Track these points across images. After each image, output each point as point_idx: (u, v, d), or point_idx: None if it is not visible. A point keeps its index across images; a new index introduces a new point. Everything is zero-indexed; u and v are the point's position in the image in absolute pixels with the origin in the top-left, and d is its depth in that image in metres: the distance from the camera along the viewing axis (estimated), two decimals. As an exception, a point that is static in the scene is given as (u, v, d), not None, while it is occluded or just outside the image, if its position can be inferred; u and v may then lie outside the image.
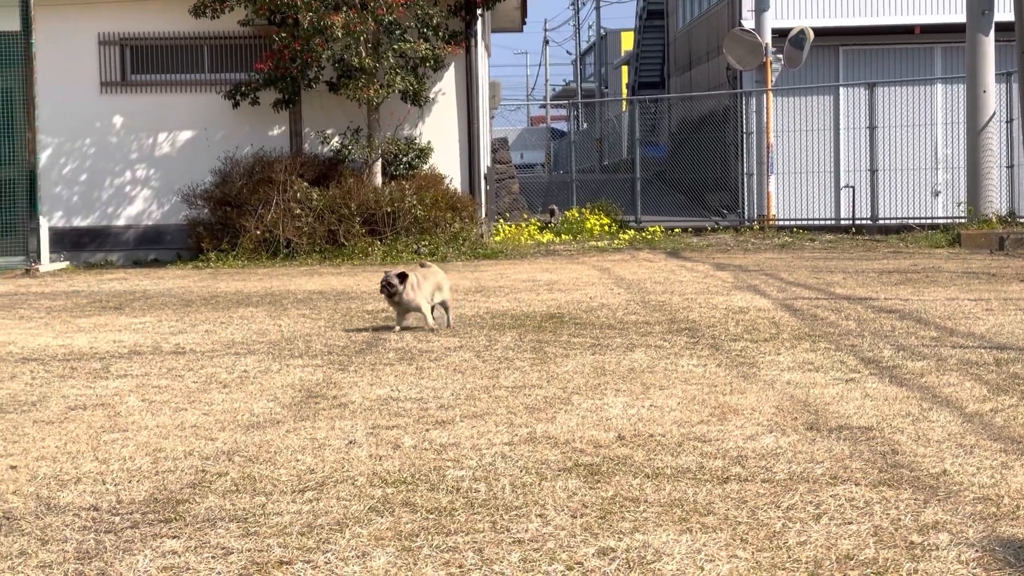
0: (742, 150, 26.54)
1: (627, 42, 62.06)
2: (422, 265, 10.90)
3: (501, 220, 26.32)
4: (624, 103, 42.68)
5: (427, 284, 10.42)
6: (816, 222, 25.43)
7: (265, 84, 21.02)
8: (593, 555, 4.16)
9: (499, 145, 31.09)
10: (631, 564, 4.06)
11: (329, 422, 6.61)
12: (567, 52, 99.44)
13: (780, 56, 25.40)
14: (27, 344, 10.23)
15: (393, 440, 6.10)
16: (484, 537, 4.40)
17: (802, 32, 24.97)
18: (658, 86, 45.65)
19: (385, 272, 10.41)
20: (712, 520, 4.55)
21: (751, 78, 26.87)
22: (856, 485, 5.02)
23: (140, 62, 22.34)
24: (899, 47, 28.69)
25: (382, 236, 20.70)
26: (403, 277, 10.25)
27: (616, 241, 23.56)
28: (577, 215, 26.03)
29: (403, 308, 10.42)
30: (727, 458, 5.54)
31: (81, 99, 22.05)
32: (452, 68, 22.21)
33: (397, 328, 10.48)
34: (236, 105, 21.31)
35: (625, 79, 58.43)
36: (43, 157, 21.68)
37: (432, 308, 10.56)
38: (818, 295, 12.94)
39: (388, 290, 10.23)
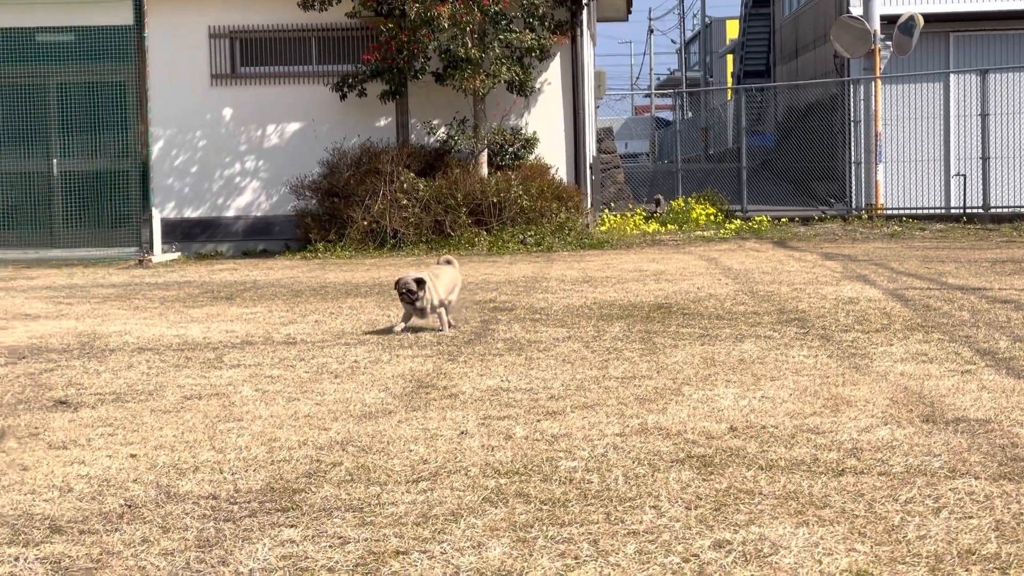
0: (850, 138, 26.24)
1: (732, 30, 61.62)
2: (439, 263, 10.62)
3: (606, 210, 26.27)
4: (729, 92, 42.39)
5: (441, 284, 10.05)
6: (925, 211, 25.08)
7: (372, 75, 21.14)
8: (709, 547, 4.15)
9: (604, 135, 31.01)
10: (748, 557, 4.04)
11: (440, 412, 6.64)
12: (672, 41, 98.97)
13: (889, 43, 25.06)
14: (142, 334, 10.38)
15: (504, 431, 6.11)
16: (598, 528, 4.40)
17: (911, 18, 24.63)
18: (763, 75, 45.27)
19: (401, 277, 9.94)
20: (829, 513, 4.51)
21: (859, 66, 26.56)
22: (975, 479, 4.95)
23: (249, 54, 22.57)
24: (1012, 32, 28.20)
25: (488, 227, 20.74)
26: (420, 283, 9.83)
27: (722, 231, 23.42)
28: (683, 204, 25.91)
29: (422, 312, 10.01)
30: (842, 450, 5.48)
31: (192, 92, 22.33)
32: (558, 58, 22.19)
33: (399, 328, 10.04)
34: (343, 97, 21.46)
35: (730, 68, 58.02)
36: (155, 149, 21.98)
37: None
38: (930, 285, 12.77)
39: (409, 297, 9.83)
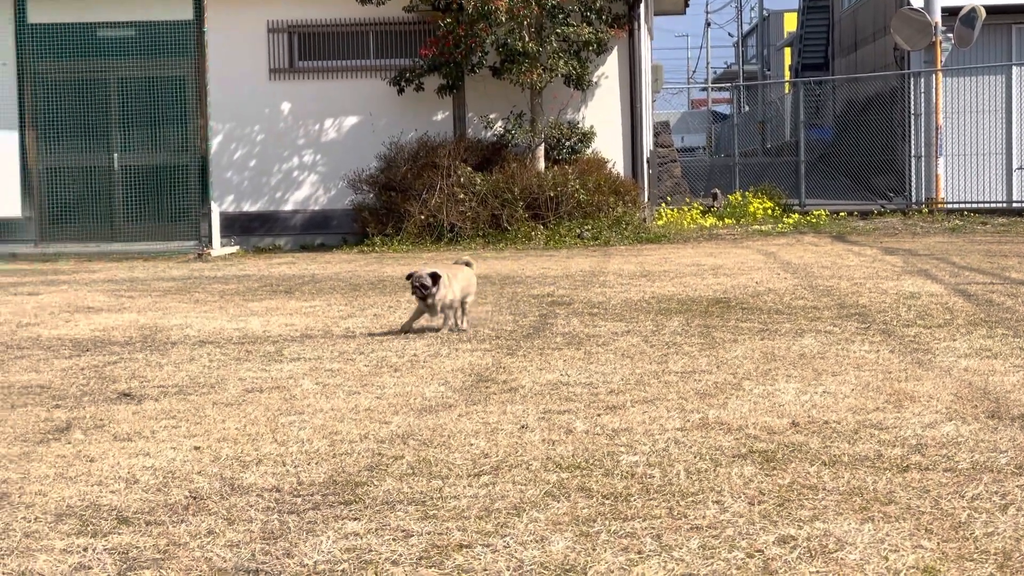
0: (910, 132, 26.03)
1: (790, 23, 61.28)
2: (457, 263, 10.31)
3: (663, 204, 26.20)
4: (787, 85, 42.16)
5: (457, 284, 9.77)
6: (987, 205, 24.85)
7: (429, 70, 21.18)
8: (773, 543, 4.13)
9: (661, 129, 30.93)
10: (813, 553, 4.02)
11: (500, 406, 6.65)
12: (729, 34, 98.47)
13: (950, 35, 24.85)
14: (203, 327, 10.45)
15: (565, 425, 6.11)
16: (661, 523, 4.39)
17: (973, 10, 24.41)
18: (822, 68, 45.00)
19: (416, 272, 9.64)
20: (894, 509, 4.48)
21: (919, 58, 26.35)
22: (1042, 475, 4.91)
23: (307, 49, 22.66)
24: (1075, 25, 27.88)
25: (545, 221, 20.73)
26: (435, 277, 9.55)
27: (780, 225, 23.31)
28: (740, 199, 25.80)
29: (432, 309, 9.68)
30: (906, 446, 5.45)
31: (250, 86, 22.44)
32: (615, 52, 22.14)
33: (406, 328, 9.84)
34: (401, 91, 21.51)
35: (788, 61, 57.71)
36: (214, 143, 22.12)
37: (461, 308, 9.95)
38: (992, 280, 12.67)
39: (421, 292, 9.52)
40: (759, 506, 4.56)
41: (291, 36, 22.58)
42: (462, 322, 9.87)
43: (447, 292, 9.62)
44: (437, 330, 9.78)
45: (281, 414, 6.56)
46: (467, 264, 10.19)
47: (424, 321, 9.93)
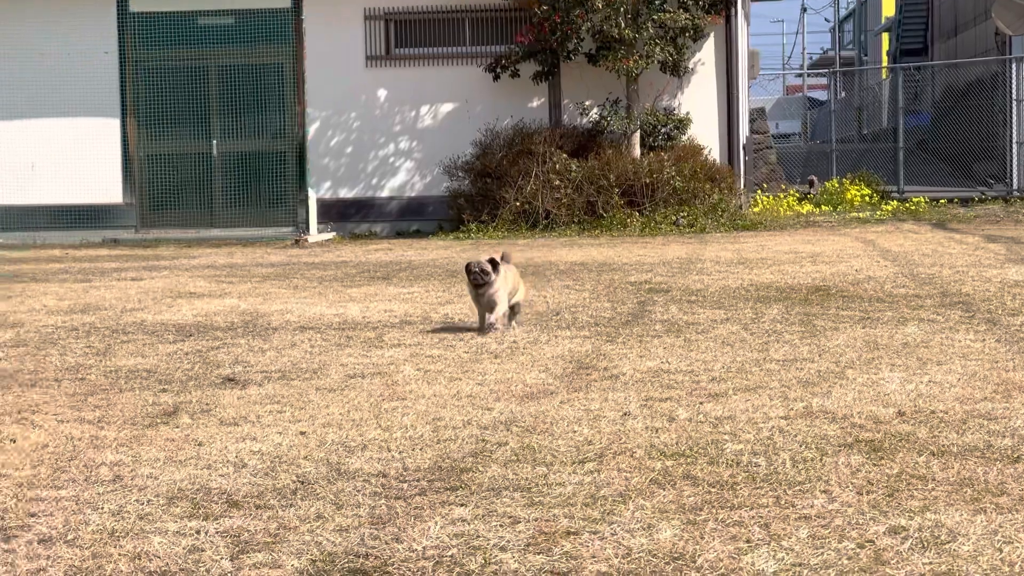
0: (1011, 118, 25.65)
1: (888, 8, 60.55)
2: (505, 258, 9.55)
3: (759, 191, 26.03)
4: (885, 71, 41.70)
5: (507, 283, 9.23)
6: (1090, 192, 24.44)
7: (525, 56, 21.19)
8: (884, 533, 4.10)
9: (756, 115, 30.72)
10: (925, 544, 3.98)
11: (602, 393, 6.65)
12: (825, 19, 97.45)
13: (1053, 20, 24.45)
14: (303, 313, 10.54)
15: (667, 412, 6.10)
16: (769, 512, 4.37)
17: (1077, -6, 24.00)
18: (920, 53, 44.45)
19: (474, 261, 9.11)
20: (1006, 501, 4.43)
21: (1021, 43, 25.96)
22: None
23: (404, 36, 22.75)
24: None
25: (640, 207, 20.69)
26: (495, 264, 9.04)
27: (878, 212, 23.07)
28: (837, 185, 25.57)
29: (484, 301, 9.10)
30: (1016, 437, 5.38)
31: (347, 73, 22.57)
32: (711, 38, 22.03)
33: (491, 328, 9.12)
34: (497, 78, 21.54)
35: (886, 46, 57.04)
36: (311, 130, 22.28)
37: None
38: (1098, 268, 12.46)
39: (481, 278, 8.96)
40: (868, 496, 4.53)
41: (388, 23, 22.69)
42: (505, 320, 9.30)
43: (500, 289, 9.09)
44: (512, 329, 9.21)
45: (384, 400, 6.60)
46: (503, 258, 9.33)
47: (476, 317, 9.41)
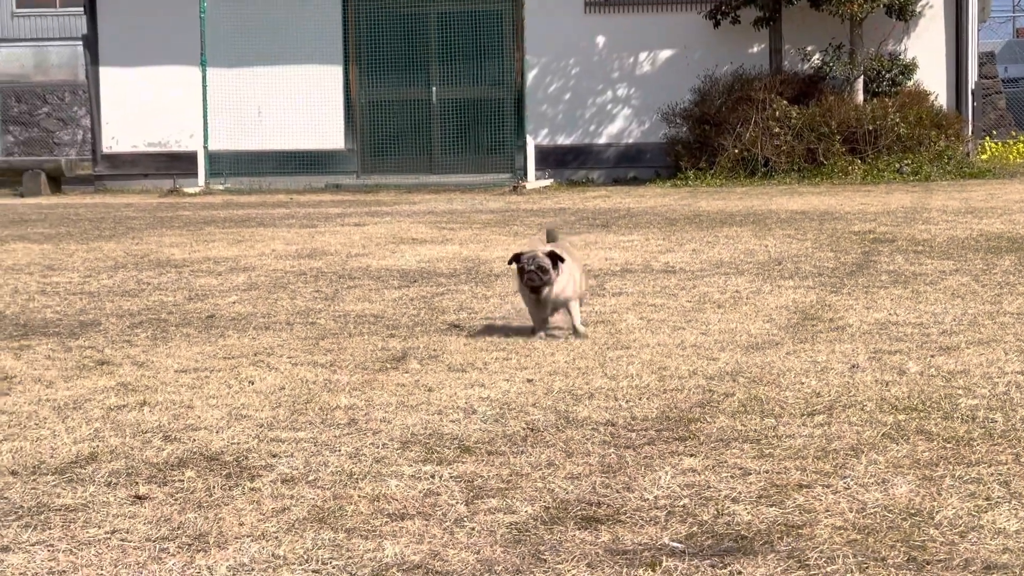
0: None
1: (1125, -54, 58.02)
2: (552, 236, 7.58)
3: (987, 138, 25.30)
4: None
5: (575, 280, 7.00)
6: None
7: (746, 2, 20.92)
8: None
9: (985, 59, 29.84)
10: None
11: (828, 345, 6.57)
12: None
13: None
14: (524, 260, 10.61)
15: (897, 365, 6.00)
16: (1008, 469, 4.27)
17: None
18: None
19: (528, 252, 6.89)
20: None
21: None
22: None
23: (623, -18, 22.64)
24: None
25: (862, 155, 20.32)
26: (556, 259, 6.81)
27: (1113, 160, 22.26)
28: (1070, 132, 24.72)
29: (543, 306, 6.94)
30: None
31: (566, 20, 22.56)
32: (940, -21, 21.46)
33: (541, 334, 6.98)
34: (717, 24, 21.32)
35: (1122, -14, 54.69)
36: (530, 77, 22.37)
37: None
38: None
39: (539, 278, 6.75)
40: (1111, 456, 4.40)
41: (607, -31, 22.60)
42: (579, 323, 7.05)
43: (567, 284, 6.90)
44: (553, 335, 7.05)
45: (608, 348, 6.62)
46: (548, 237, 7.55)
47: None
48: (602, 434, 4.87)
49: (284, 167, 22.66)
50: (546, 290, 6.81)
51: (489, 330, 7.25)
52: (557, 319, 7.13)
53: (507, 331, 7.17)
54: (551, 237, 7.44)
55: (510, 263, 7.01)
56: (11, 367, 6.37)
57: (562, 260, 6.83)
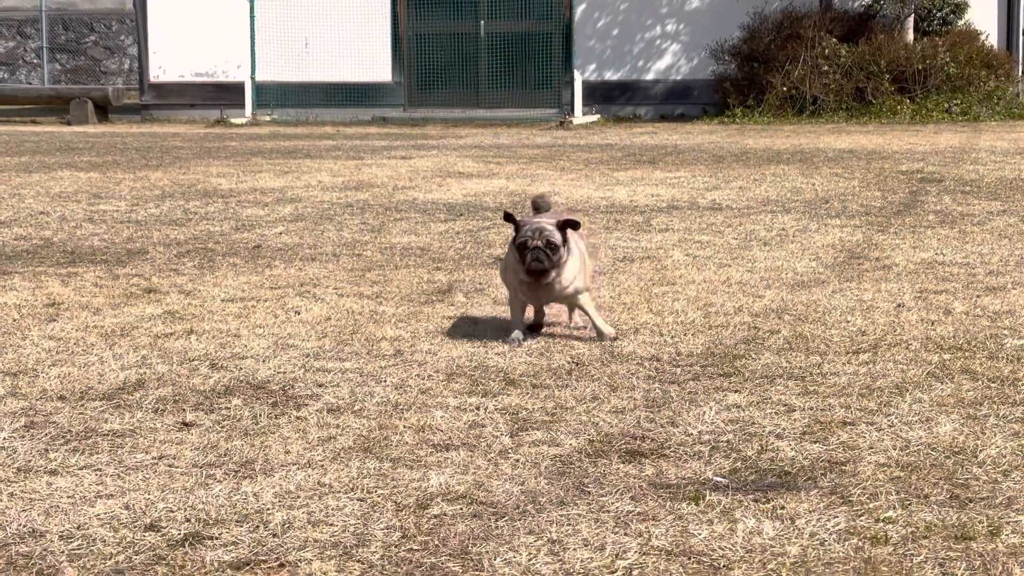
0: None
1: None
2: (537, 207, 5.92)
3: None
4: None
5: (585, 262, 5.47)
6: None
7: (797, -63, 20.71)
8: None
9: (1038, -2, 29.45)
10: None
11: (874, 284, 6.55)
12: None
13: None
14: (570, 195, 10.61)
15: (943, 305, 5.99)
16: (1053, 411, 4.27)
17: None
18: None
19: (531, 223, 5.27)
20: None
21: None
22: None
23: (673, -84, 22.42)
24: None
25: (911, 94, 20.14)
26: (564, 234, 5.24)
27: None
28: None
29: (548, 293, 5.31)
30: None
31: (615, -46, 22.39)
32: (995, -84, 21.15)
33: (520, 339, 5.29)
34: (767, -41, 21.11)
35: None
36: (578, 11, 22.23)
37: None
38: None
39: (547, 257, 5.14)
40: None
41: (657, -97, 22.38)
42: (600, 323, 5.40)
43: (577, 274, 5.31)
44: (575, 333, 5.58)
45: (653, 284, 6.63)
46: (535, 206, 5.99)
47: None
48: (647, 369, 4.88)
49: (331, 99, 22.63)
50: (552, 276, 5.18)
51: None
52: (552, 313, 5.71)
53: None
54: (538, 207, 5.84)
55: (506, 220, 5.43)
56: (59, 294, 6.44)
57: (577, 226, 5.30)
